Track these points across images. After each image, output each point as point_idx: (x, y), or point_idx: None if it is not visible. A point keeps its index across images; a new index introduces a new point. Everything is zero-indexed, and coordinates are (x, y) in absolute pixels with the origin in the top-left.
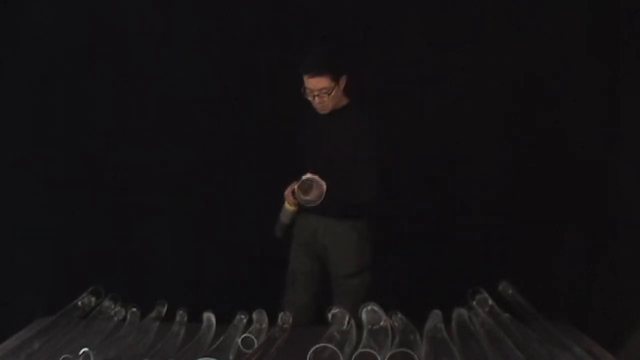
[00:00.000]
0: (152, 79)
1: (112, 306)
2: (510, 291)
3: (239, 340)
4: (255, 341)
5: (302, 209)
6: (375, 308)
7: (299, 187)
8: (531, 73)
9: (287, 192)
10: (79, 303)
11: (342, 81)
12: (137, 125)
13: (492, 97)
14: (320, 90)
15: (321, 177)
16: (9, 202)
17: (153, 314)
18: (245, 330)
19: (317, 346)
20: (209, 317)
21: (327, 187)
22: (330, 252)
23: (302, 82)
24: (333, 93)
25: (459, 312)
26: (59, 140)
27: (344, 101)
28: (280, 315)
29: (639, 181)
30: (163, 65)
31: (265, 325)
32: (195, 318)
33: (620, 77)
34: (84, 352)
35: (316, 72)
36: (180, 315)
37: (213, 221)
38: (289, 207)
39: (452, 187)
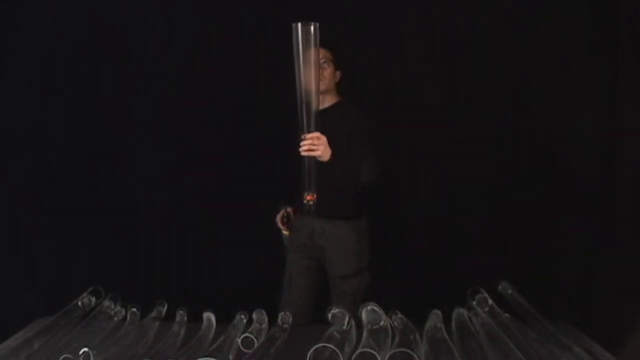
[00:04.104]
0: (152, 80)
1: (112, 306)
2: (510, 291)
3: (239, 340)
4: (255, 341)
5: (299, 212)
6: (375, 308)
7: (281, 220)
8: (531, 73)
9: (277, 219)
10: (79, 303)
11: (338, 74)
12: (137, 126)
13: (492, 97)
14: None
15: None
16: (8, 202)
17: (153, 314)
18: (245, 330)
19: (317, 346)
20: (209, 317)
21: (325, 183)
22: (328, 253)
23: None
24: (330, 70)
25: (459, 312)
26: (59, 140)
27: (337, 99)
28: (280, 315)
29: (639, 181)
30: (162, 66)
31: (265, 325)
32: (195, 318)
33: (621, 77)
34: (84, 352)
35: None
36: (180, 315)
37: (213, 221)
38: (285, 233)
39: (452, 187)
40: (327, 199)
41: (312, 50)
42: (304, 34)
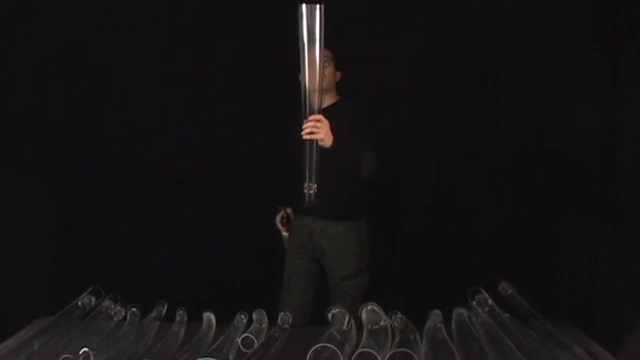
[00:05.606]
0: (151, 78)
1: (112, 306)
2: (510, 291)
3: (239, 340)
4: (255, 341)
5: (298, 213)
6: (375, 308)
7: (280, 222)
8: (530, 71)
9: (277, 220)
10: (79, 303)
11: (338, 74)
12: (136, 124)
13: (492, 96)
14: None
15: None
16: (8, 202)
17: (153, 314)
18: (245, 330)
19: (317, 346)
20: (209, 317)
21: (326, 183)
22: (327, 254)
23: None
24: (330, 68)
25: (459, 312)
26: (60, 140)
27: (337, 97)
28: (280, 315)
29: (639, 181)
30: (161, 63)
31: (265, 325)
32: (195, 318)
33: (621, 76)
34: (84, 352)
35: None
36: (180, 315)
37: (213, 221)
38: (284, 234)
39: (452, 187)
40: (327, 200)
41: (317, 32)
42: (309, 15)
